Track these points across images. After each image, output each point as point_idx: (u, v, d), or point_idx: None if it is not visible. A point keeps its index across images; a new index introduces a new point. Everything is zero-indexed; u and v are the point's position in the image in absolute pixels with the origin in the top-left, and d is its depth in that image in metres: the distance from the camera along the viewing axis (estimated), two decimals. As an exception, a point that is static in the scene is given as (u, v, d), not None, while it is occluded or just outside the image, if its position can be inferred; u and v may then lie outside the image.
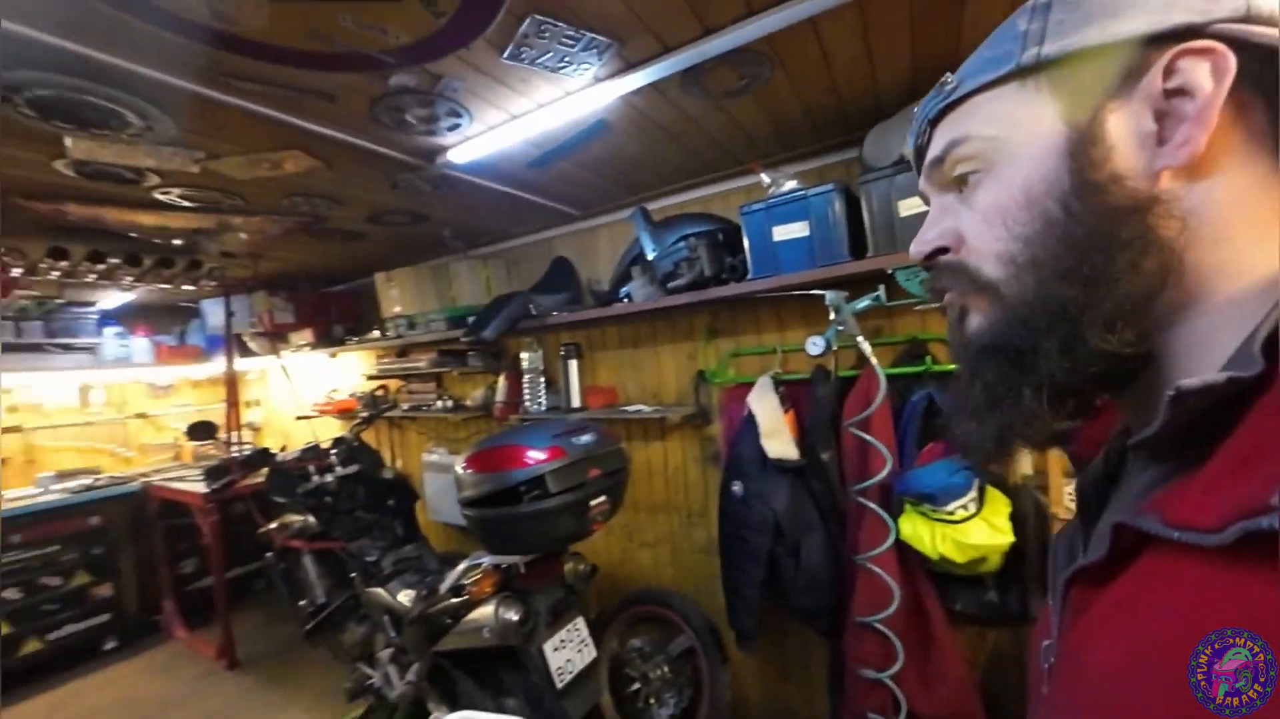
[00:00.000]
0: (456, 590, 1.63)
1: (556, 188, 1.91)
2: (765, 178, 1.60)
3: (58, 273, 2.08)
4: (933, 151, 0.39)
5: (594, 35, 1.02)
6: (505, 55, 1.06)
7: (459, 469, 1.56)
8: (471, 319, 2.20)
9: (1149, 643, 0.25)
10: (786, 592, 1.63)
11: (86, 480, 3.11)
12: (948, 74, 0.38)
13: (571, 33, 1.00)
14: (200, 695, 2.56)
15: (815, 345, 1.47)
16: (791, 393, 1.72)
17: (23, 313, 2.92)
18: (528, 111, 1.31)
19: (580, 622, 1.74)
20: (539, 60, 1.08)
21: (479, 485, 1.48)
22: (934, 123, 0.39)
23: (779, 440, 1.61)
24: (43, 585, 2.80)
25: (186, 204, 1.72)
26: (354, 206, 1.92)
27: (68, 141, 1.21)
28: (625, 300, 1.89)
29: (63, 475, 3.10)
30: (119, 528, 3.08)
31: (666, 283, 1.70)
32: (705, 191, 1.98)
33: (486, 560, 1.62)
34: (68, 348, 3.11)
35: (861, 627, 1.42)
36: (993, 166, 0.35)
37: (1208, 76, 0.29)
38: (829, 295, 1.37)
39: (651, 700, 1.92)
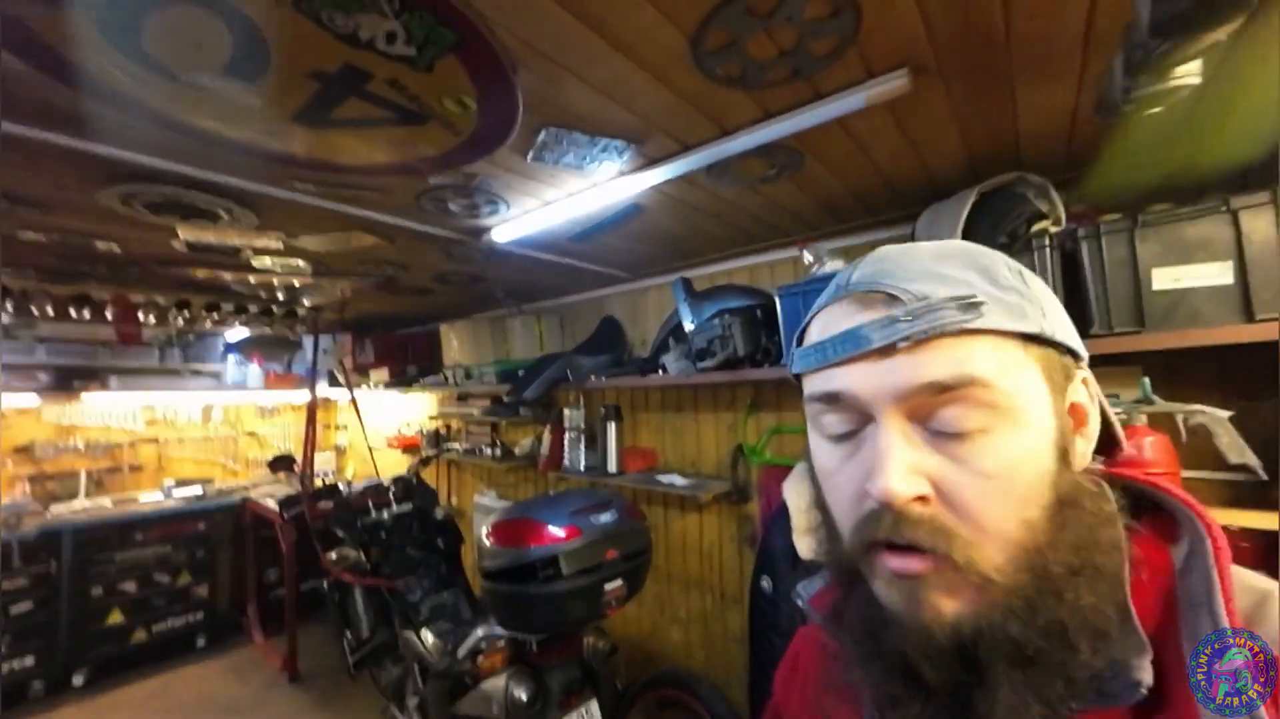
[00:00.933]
0: (473, 655, 1.64)
1: (602, 255, 1.95)
2: (808, 256, 1.52)
3: (182, 320, 2.44)
4: (933, 372, 0.32)
5: (610, 139, 1.03)
6: (529, 158, 1.10)
7: (483, 536, 1.58)
8: (521, 372, 2.28)
9: None
10: (818, 707, 1.46)
11: (199, 490, 3.55)
12: (975, 293, 0.33)
13: (586, 139, 1.02)
14: (263, 705, 2.76)
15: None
16: (833, 483, 1.58)
17: (167, 341, 3.45)
18: (559, 199, 1.35)
19: (594, 705, 1.67)
20: (561, 160, 1.11)
21: (495, 558, 1.49)
22: (935, 335, 0.32)
23: (814, 539, 1.48)
24: (155, 582, 3.20)
25: (282, 270, 1.95)
26: (419, 270, 2.08)
27: (179, 230, 1.43)
28: (661, 371, 1.86)
29: (181, 483, 3.56)
30: (219, 534, 3.46)
31: (700, 359, 1.65)
32: (754, 260, 1.93)
33: (500, 632, 1.61)
34: (198, 373, 3.61)
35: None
36: (994, 428, 0.32)
37: (1092, 401, 0.37)
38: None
39: (671, 797, 1.80)
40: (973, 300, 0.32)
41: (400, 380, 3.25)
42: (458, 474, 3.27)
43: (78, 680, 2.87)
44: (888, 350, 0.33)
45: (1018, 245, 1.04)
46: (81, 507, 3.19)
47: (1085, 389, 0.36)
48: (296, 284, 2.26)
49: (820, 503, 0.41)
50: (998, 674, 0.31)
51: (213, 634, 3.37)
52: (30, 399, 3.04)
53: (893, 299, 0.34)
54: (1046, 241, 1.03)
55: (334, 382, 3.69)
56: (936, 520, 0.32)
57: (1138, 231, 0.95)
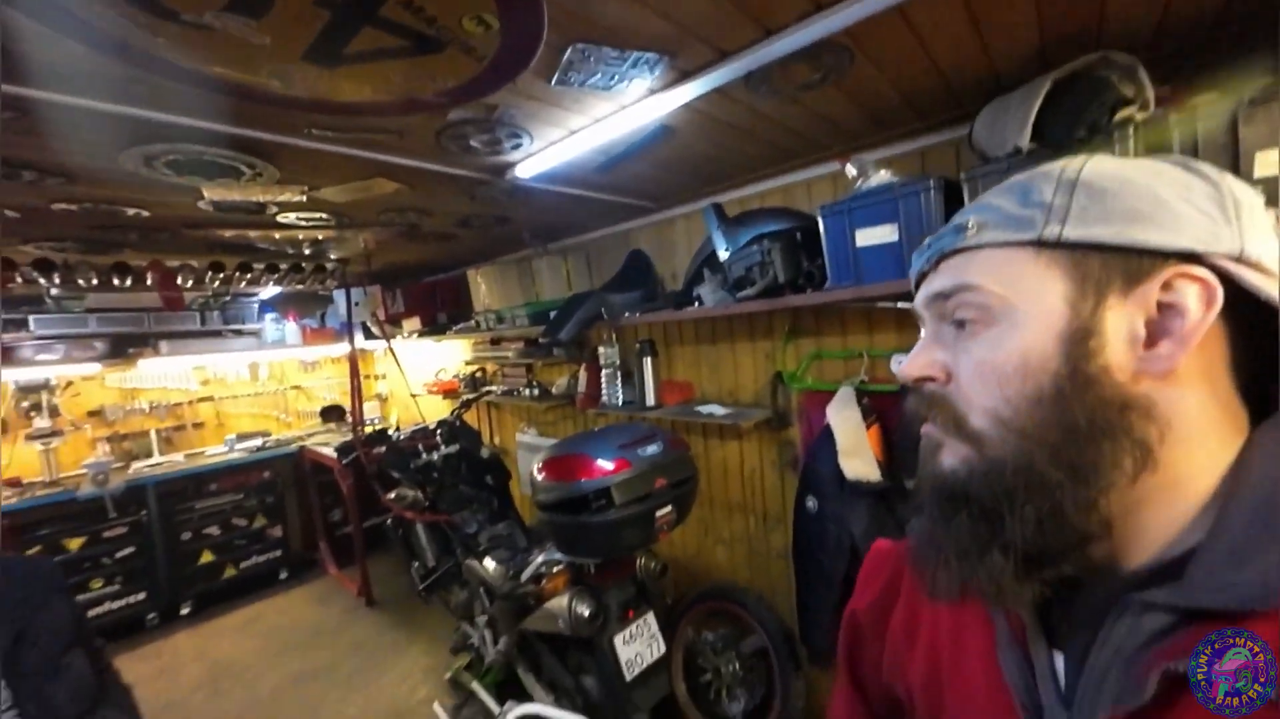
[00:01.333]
0: (536, 579, 1.76)
1: (628, 186, 1.86)
2: (852, 169, 1.42)
3: (218, 282, 2.47)
4: (939, 284, 0.40)
5: (641, 53, 0.94)
6: (554, 82, 1.02)
7: (535, 472, 1.65)
8: (553, 314, 2.27)
9: None
10: (864, 614, 1.55)
11: (259, 442, 3.77)
12: (970, 217, 0.39)
13: (616, 54, 0.94)
14: (347, 627, 3.07)
15: (899, 364, 1.32)
16: (878, 405, 1.57)
17: (205, 305, 3.54)
18: (585, 126, 1.27)
19: (650, 617, 1.80)
20: (588, 82, 1.03)
21: (550, 492, 1.56)
22: (944, 256, 0.41)
23: (859, 459, 1.49)
24: (235, 525, 3.49)
25: (306, 224, 1.93)
26: (441, 216, 2.03)
27: (204, 190, 1.41)
28: (696, 304, 1.82)
29: (242, 437, 3.78)
30: (284, 480, 3.72)
31: (738, 288, 1.61)
32: (789, 179, 1.81)
33: (560, 557, 1.72)
34: (239, 332, 3.72)
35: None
36: (994, 322, 0.37)
37: (1198, 302, 0.33)
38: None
39: (724, 694, 1.96)
40: (961, 225, 0.39)
41: (432, 329, 3.29)
42: (498, 415, 3.38)
43: (185, 610, 3.24)
44: (926, 273, 0.42)
45: (1098, 139, 0.94)
46: (156, 462, 3.45)
47: (1180, 288, 0.34)
48: (321, 238, 2.25)
49: None
50: (960, 521, 0.37)
51: (292, 569, 3.71)
52: (93, 367, 3.20)
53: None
54: (1131, 132, 0.93)
55: (368, 334, 3.77)
56: (936, 395, 0.40)
57: (1242, 112, 0.84)
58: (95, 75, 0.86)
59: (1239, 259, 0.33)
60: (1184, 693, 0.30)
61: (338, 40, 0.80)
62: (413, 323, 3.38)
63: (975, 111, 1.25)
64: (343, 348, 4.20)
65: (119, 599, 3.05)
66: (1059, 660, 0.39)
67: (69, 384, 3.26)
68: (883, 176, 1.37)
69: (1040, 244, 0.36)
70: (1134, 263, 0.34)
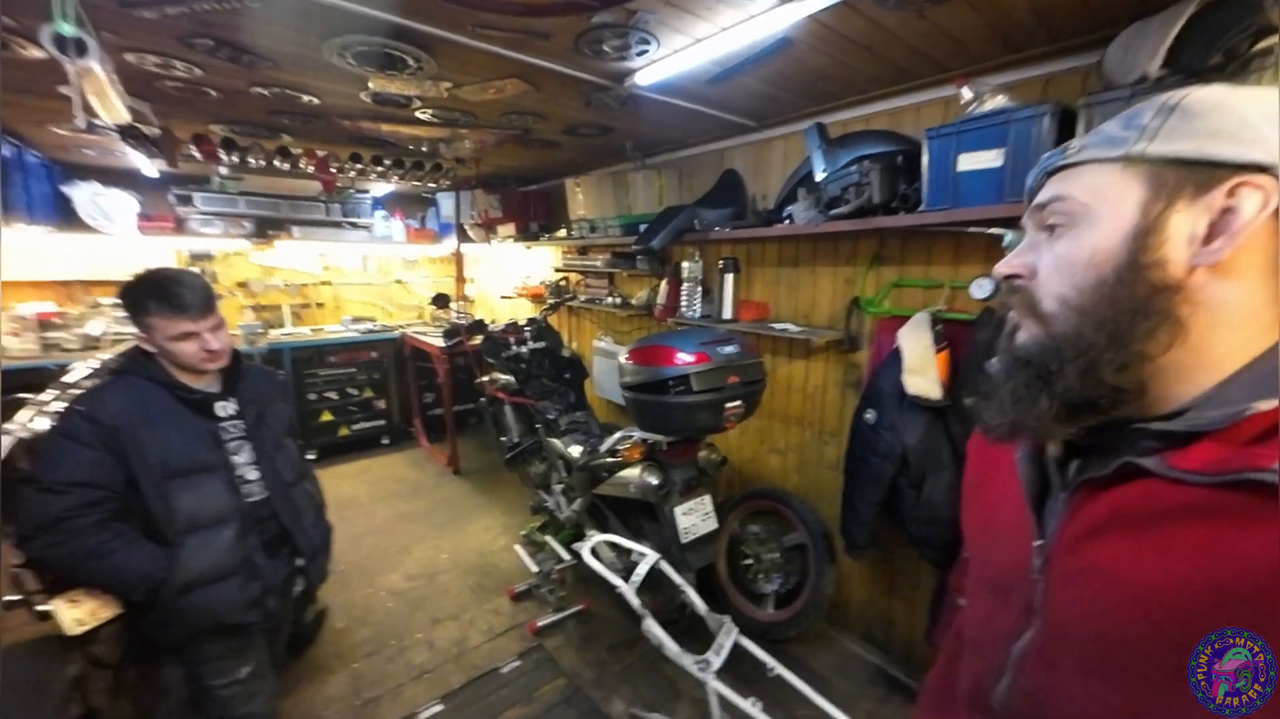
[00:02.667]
0: (613, 452, 2.05)
1: (735, 101, 1.93)
2: (967, 92, 1.43)
3: (354, 171, 2.79)
4: (1040, 198, 0.48)
5: (782, -38, 1.02)
6: (695, -13, 1.12)
7: (622, 358, 1.89)
8: (643, 227, 2.42)
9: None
10: (904, 519, 1.73)
11: (368, 325, 4.29)
12: (1073, 140, 0.48)
13: (760, -38, 1.02)
14: (439, 487, 3.62)
15: (981, 288, 1.40)
16: (950, 332, 1.66)
17: (329, 198, 3.95)
18: (711, 35, 1.36)
19: (707, 498, 2.06)
20: (726, -11, 1.12)
21: (636, 374, 1.80)
22: (1049, 174, 0.48)
23: (923, 378, 1.61)
24: (348, 394, 4.08)
25: (436, 120, 2.15)
26: (554, 121, 2.19)
27: (370, 81, 1.63)
28: (786, 221, 1.92)
29: (355, 320, 4.31)
30: (387, 361, 4.25)
31: (831, 208, 1.69)
32: (899, 102, 1.81)
33: (637, 434, 1.98)
34: (354, 225, 4.15)
35: (967, 562, 1.48)
36: (1075, 225, 0.44)
37: (1253, 204, 0.38)
38: (1007, 235, 1.27)
39: (760, 576, 2.25)
40: (1066, 146, 0.47)
41: (525, 235, 3.54)
42: (577, 321, 3.66)
43: (311, 455, 3.90)
44: (1034, 193, 0.49)
45: (1234, 66, 0.95)
46: (289, 332, 4.03)
47: (1242, 194, 0.38)
48: (440, 136, 2.48)
49: None
50: (1020, 377, 0.46)
51: (392, 436, 4.32)
52: (242, 244, 3.72)
53: None
54: (1271, 62, 0.93)
55: (463, 236, 4.09)
56: (1020, 287, 0.47)
57: (1396, 43, 0.83)
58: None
59: None
60: (1137, 482, 0.40)
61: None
62: (508, 229, 3.64)
63: (1111, 36, 1.23)
64: (439, 249, 4.58)
65: (263, 438, 3.72)
66: (1069, 471, 0.48)
67: (225, 256, 3.82)
68: (999, 102, 1.38)
69: (1127, 159, 0.42)
70: (1206, 173, 0.39)
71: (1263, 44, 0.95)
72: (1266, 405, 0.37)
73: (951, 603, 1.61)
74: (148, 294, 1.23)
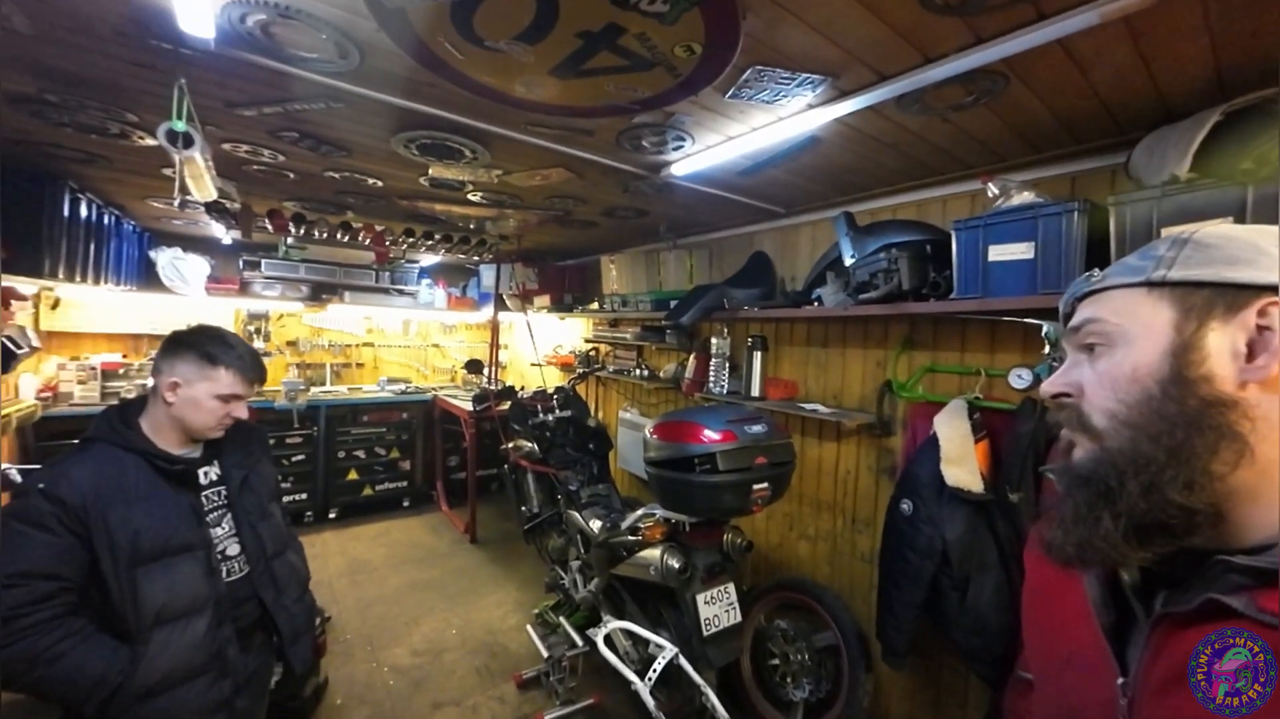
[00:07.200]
0: (634, 530, 1.98)
1: (764, 190, 2.03)
2: (993, 189, 1.48)
3: (406, 244, 3.01)
4: (1075, 320, 0.52)
5: (809, 75, 1.11)
6: (728, 96, 1.22)
7: (647, 433, 1.87)
8: (673, 303, 2.49)
9: None
10: (948, 625, 1.58)
11: (402, 386, 4.42)
12: (1095, 269, 0.53)
13: (787, 75, 1.11)
14: (454, 555, 3.53)
15: (1020, 379, 1.36)
16: (988, 422, 1.60)
17: (380, 267, 4.24)
18: (742, 134, 1.46)
19: (730, 586, 1.94)
20: (755, 97, 1.22)
21: (661, 450, 1.77)
22: (1079, 300, 0.53)
23: (962, 469, 1.53)
24: (376, 453, 4.14)
25: (485, 202, 2.33)
26: (593, 205, 2.33)
27: (430, 168, 1.80)
28: (815, 303, 1.94)
29: (391, 380, 4.45)
30: (416, 423, 4.33)
31: (860, 292, 1.71)
32: (924, 195, 1.87)
33: (659, 512, 1.92)
34: (401, 292, 4.40)
35: (1026, 684, 1.32)
36: (1113, 344, 0.48)
37: None
38: (1047, 327, 1.25)
39: (788, 679, 2.05)
40: (1089, 274, 0.52)
41: (560, 306, 3.67)
42: (604, 392, 3.69)
43: (332, 514, 3.91)
44: (1068, 316, 0.54)
45: (1265, 172, 0.95)
46: (328, 390, 4.19)
47: (1272, 313, 0.41)
48: (487, 215, 2.67)
49: None
50: (1080, 496, 0.46)
51: (413, 499, 4.30)
52: (296, 306, 3.98)
53: None
54: (1305, 168, 0.93)
55: (501, 305, 4.27)
56: (1070, 405, 0.50)
57: None
58: (409, 80, 1.20)
59: None
60: (1223, 623, 0.38)
61: (580, 60, 1.06)
62: (543, 299, 3.79)
63: (1135, 139, 1.27)
64: (478, 315, 4.79)
65: (289, 496, 3.77)
66: (1152, 602, 0.48)
67: (280, 317, 4.08)
68: (1025, 197, 1.41)
69: (1150, 284, 0.46)
70: (1234, 295, 0.43)
71: (1295, 151, 0.96)
72: None
73: (1008, 730, 1.43)
74: (214, 344, 1.18)
